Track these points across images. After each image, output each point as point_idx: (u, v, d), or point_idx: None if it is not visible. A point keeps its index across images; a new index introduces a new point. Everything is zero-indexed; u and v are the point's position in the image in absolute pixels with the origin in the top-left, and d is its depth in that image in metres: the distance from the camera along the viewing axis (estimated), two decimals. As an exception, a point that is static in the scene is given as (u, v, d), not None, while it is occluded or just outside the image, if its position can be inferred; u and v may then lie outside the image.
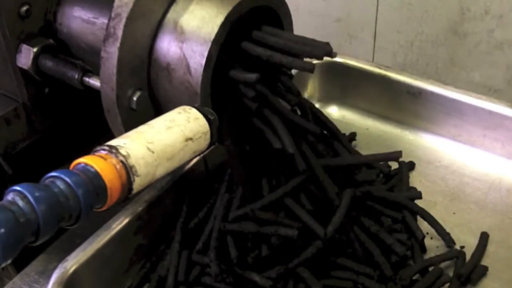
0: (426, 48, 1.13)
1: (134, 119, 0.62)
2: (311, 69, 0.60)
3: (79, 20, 0.71)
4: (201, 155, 0.66)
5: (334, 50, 0.61)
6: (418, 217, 0.69)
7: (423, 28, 1.11)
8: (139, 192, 0.50)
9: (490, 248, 0.67)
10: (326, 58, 0.62)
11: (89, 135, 0.72)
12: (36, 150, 0.77)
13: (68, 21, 0.72)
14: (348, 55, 0.87)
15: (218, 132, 0.57)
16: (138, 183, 0.48)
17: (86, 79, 0.68)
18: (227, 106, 0.63)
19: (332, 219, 0.61)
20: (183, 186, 0.67)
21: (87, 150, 0.48)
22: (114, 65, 0.59)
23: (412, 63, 1.16)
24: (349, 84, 0.88)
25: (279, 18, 0.66)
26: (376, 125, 0.87)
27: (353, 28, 1.20)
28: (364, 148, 0.81)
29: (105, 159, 0.46)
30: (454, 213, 0.72)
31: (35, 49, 0.70)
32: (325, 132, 0.73)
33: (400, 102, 0.84)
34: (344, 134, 0.78)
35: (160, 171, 0.51)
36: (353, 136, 0.84)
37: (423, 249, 0.67)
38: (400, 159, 0.72)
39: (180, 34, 0.60)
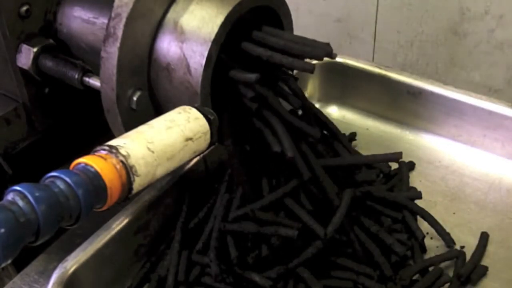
0: (426, 48, 1.13)
1: (134, 119, 0.62)
2: (311, 69, 0.60)
3: (79, 20, 0.71)
4: (201, 155, 0.66)
5: (334, 50, 0.61)
6: (418, 217, 0.69)
7: (423, 28, 1.11)
8: (139, 192, 0.50)
9: (490, 248, 0.67)
10: (326, 58, 0.62)
11: (89, 135, 0.72)
12: (36, 150, 0.77)
13: (68, 21, 0.72)
14: (348, 55, 0.87)
15: (218, 132, 0.57)
16: (138, 183, 0.48)
17: (86, 79, 0.69)
18: (227, 106, 0.63)
19: (332, 219, 0.61)
20: (183, 186, 0.67)
21: (87, 150, 0.48)
22: (114, 65, 0.59)
23: (412, 63, 1.16)
24: (349, 84, 0.88)
25: (279, 18, 0.66)
26: (376, 125, 0.87)
27: (353, 28, 1.20)
28: (364, 148, 0.81)
29: (105, 159, 0.46)
30: (454, 213, 0.72)
31: (35, 49, 0.70)
32: (325, 132, 0.73)
33: (400, 102, 0.84)
34: (344, 134, 0.78)
35: (160, 171, 0.51)
36: (353, 136, 0.84)
37: (423, 249, 0.67)
38: (400, 159, 0.72)
39: (180, 34, 0.60)
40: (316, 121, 0.71)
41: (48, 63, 0.70)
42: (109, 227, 0.61)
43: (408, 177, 0.76)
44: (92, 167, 0.45)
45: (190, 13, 0.61)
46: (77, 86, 0.69)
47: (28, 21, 0.70)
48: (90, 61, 0.70)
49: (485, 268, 0.64)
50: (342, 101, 0.89)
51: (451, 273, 0.64)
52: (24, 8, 0.69)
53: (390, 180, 0.75)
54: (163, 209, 0.66)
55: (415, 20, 1.11)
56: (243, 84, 0.61)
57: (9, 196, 0.42)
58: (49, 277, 0.57)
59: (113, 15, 0.59)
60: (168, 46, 0.61)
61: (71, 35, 0.72)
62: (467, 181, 0.77)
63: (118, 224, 0.62)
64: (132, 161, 0.47)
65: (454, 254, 0.65)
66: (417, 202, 0.70)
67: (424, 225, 0.68)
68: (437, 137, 0.82)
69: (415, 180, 0.77)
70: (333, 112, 0.89)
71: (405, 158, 0.77)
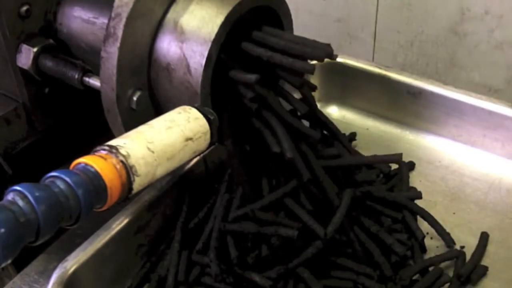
0: (426, 48, 1.13)
1: (134, 119, 0.62)
2: (311, 70, 0.60)
3: (79, 20, 0.71)
4: (201, 155, 0.66)
5: (334, 50, 0.61)
6: (418, 217, 0.69)
7: (423, 28, 1.11)
8: (139, 192, 0.50)
9: (490, 248, 0.67)
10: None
11: (89, 135, 0.72)
12: (36, 150, 0.77)
13: (68, 21, 0.72)
14: (348, 55, 0.87)
15: (218, 132, 0.57)
16: (138, 183, 0.48)
17: (86, 79, 0.69)
18: (227, 106, 0.63)
19: (332, 219, 0.61)
20: (183, 186, 0.67)
21: (87, 150, 0.48)
22: (114, 65, 0.59)
23: (412, 63, 1.16)
24: (349, 84, 0.87)
25: (279, 18, 0.66)
26: (376, 125, 0.87)
27: (353, 28, 1.20)
28: (364, 148, 0.81)
29: (105, 159, 0.46)
30: (454, 213, 0.72)
31: (35, 49, 0.70)
32: (325, 132, 0.73)
33: (400, 102, 0.84)
34: (344, 134, 0.78)
35: (160, 171, 0.51)
36: (353, 136, 0.84)
37: (423, 249, 0.67)
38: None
39: (180, 34, 0.60)
40: (316, 121, 0.72)
41: (48, 63, 0.70)
42: (109, 227, 0.61)
43: (408, 177, 0.76)
44: (92, 167, 0.45)
45: (190, 13, 0.61)
46: (77, 86, 0.69)
47: (28, 21, 0.70)
48: (90, 61, 0.70)
49: (485, 268, 0.64)
50: (342, 101, 0.89)
51: (451, 273, 0.64)
52: (24, 8, 0.69)
53: (390, 180, 0.75)
54: (163, 209, 0.66)
55: (415, 20, 1.11)
56: (243, 84, 0.61)
57: (9, 196, 0.42)
58: (49, 277, 0.57)
59: (113, 15, 0.59)
60: (168, 46, 0.61)
61: (71, 35, 0.72)
62: (467, 181, 0.76)
63: (118, 224, 0.62)
64: (132, 161, 0.47)
65: (454, 254, 0.65)
66: (417, 202, 0.70)
67: (424, 225, 0.68)
68: (437, 137, 0.82)
69: (415, 180, 0.77)
70: (333, 112, 0.89)
71: (405, 158, 0.77)
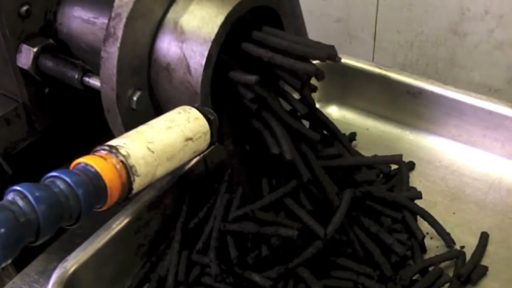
0: (426, 48, 1.13)
1: (134, 119, 0.62)
2: (312, 71, 0.60)
3: (79, 20, 0.71)
4: (201, 155, 0.66)
5: (334, 50, 0.61)
6: (418, 217, 0.69)
7: (423, 28, 1.11)
8: (139, 192, 0.50)
9: (490, 248, 0.67)
10: (325, 58, 0.61)
11: (89, 135, 0.72)
12: (36, 150, 0.77)
13: (68, 21, 0.72)
14: (348, 55, 0.87)
15: (218, 132, 0.57)
16: (138, 183, 0.48)
17: (86, 79, 0.68)
18: (227, 106, 0.63)
19: (332, 219, 0.61)
20: (183, 186, 0.67)
21: (87, 150, 0.48)
22: (114, 65, 0.59)
23: (412, 63, 1.16)
24: (349, 84, 0.87)
25: (279, 18, 0.66)
26: (376, 125, 0.87)
27: (353, 28, 1.20)
28: (364, 148, 0.81)
29: (105, 159, 0.46)
30: (454, 213, 0.72)
31: (35, 49, 0.70)
32: (325, 132, 0.73)
33: (400, 102, 0.84)
34: (344, 134, 0.78)
35: (160, 171, 0.51)
36: (353, 136, 0.84)
37: (423, 249, 0.67)
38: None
39: (180, 34, 0.60)
40: (316, 121, 0.72)
41: (48, 63, 0.70)
42: (109, 227, 0.61)
43: (408, 177, 0.76)
44: (92, 167, 0.45)
45: (190, 13, 0.61)
46: (77, 86, 0.69)
47: (28, 21, 0.70)
48: (90, 61, 0.70)
49: (485, 268, 0.64)
50: (342, 101, 0.89)
51: (451, 273, 0.64)
52: (24, 8, 0.69)
53: (390, 180, 0.75)
54: (163, 209, 0.66)
55: (415, 20, 1.11)
56: (243, 85, 0.61)
57: (9, 196, 0.42)
58: (49, 277, 0.57)
59: (113, 15, 0.59)
60: (168, 46, 0.61)
61: (71, 35, 0.72)
62: (467, 181, 0.76)
63: (118, 224, 0.62)
64: (132, 161, 0.47)
65: (454, 254, 0.65)
66: (417, 202, 0.70)
67: (424, 225, 0.68)
68: (437, 137, 0.82)
69: (415, 180, 0.77)
70: (333, 112, 0.89)
71: (405, 158, 0.77)
